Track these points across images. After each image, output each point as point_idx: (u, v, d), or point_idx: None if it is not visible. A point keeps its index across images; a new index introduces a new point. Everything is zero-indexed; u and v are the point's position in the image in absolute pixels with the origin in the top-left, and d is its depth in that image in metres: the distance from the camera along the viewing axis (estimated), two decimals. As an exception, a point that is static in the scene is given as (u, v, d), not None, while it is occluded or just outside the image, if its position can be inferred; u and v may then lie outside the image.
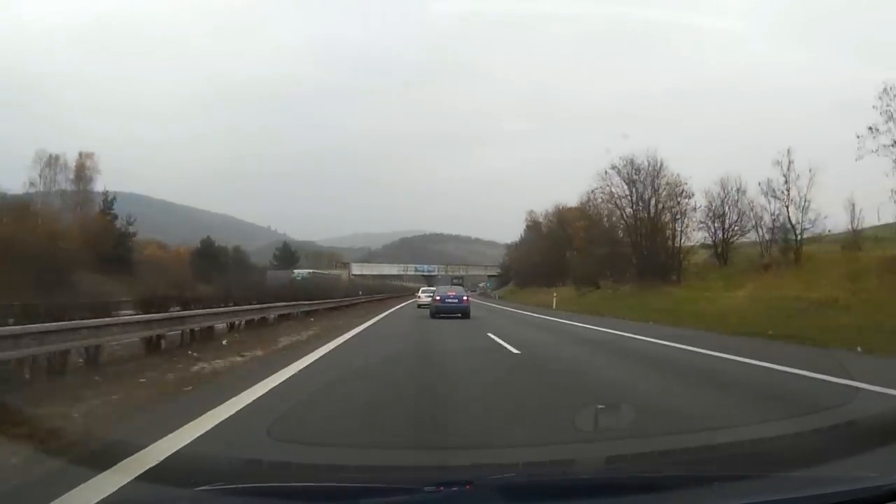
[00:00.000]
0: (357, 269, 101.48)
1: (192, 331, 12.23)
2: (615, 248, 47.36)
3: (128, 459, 4.01)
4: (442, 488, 2.60)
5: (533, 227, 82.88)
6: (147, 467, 3.88)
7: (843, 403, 6.50)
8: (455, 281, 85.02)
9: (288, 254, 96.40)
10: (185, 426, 5.08)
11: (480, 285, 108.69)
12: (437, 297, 26.64)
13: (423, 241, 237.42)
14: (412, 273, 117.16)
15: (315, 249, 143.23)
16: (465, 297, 26.49)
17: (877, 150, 26.87)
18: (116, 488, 3.43)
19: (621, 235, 47.80)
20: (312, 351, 11.83)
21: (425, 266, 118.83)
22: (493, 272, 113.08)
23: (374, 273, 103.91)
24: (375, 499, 2.58)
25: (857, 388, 7.40)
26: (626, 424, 4.90)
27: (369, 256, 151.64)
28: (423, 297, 35.07)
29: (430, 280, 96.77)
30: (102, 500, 3.27)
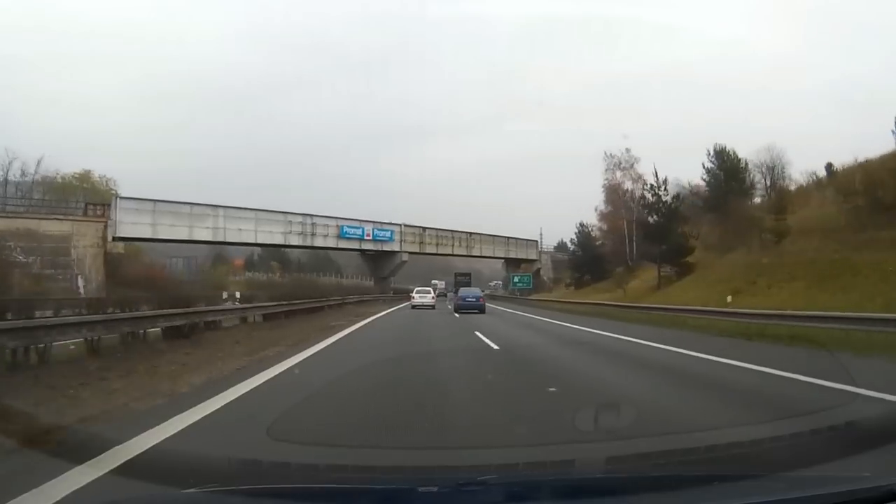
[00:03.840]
0: (139, 227, 39.79)
1: None
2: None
3: (125, 458, 3.82)
4: (441, 488, 2.59)
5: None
6: (144, 467, 3.73)
7: None
8: (459, 278, 65.48)
9: None
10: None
11: (491, 284, 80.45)
12: (459, 297, 32.44)
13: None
14: (336, 245, 54.83)
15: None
16: (480, 297, 31.76)
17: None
18: (115, 488, 3.28)
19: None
20: None
21: (368, 228, 54.96)
22: (518, 255, 71.14)
23: (215, 237, 43.77)
24: (374, 500, 2.55)
25: None
26: None
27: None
28: (418, 297, 36.72)
29: (377, 261, 60.09)
30: (100, 499, 3.11)
